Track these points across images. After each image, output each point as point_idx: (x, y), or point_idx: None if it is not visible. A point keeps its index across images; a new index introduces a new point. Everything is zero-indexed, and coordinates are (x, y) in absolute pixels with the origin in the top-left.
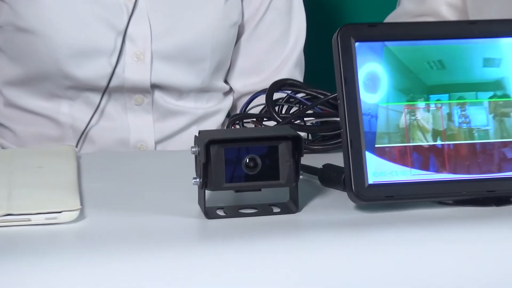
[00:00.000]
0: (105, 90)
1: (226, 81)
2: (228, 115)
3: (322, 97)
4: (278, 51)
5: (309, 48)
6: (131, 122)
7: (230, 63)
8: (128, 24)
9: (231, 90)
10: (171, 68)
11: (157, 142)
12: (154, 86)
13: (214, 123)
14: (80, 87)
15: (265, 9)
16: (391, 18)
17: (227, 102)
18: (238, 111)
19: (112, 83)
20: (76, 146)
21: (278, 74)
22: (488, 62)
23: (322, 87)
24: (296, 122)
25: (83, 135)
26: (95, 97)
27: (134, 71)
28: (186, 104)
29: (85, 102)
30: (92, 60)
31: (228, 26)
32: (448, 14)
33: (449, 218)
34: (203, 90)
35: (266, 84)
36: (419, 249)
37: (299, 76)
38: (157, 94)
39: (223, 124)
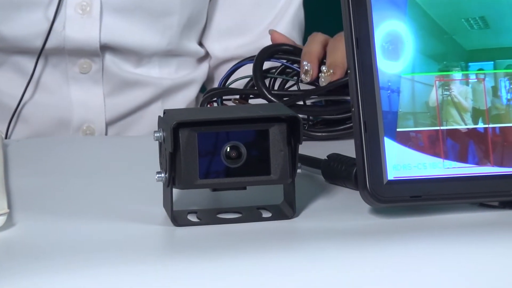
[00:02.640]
0: (40, 53)
1: (201, 44)
2: (203, 89)
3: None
4: (268, 3)
5: (310, 1)
6: (74, 96)
7: (207, 20)
8: None
9: (207, 55)
10: (127, 23)
11: (108, 123)
12: (105, 48)
13: (184, 98)
14: (7, 49)
15: None
16: None
17: (202, 71)
18: (215, 84)
19: (49, 44)
20: (7, 129)
21: (268, 35)
22: None
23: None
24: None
25: (14, 114)
26: (28, 63)
27: (78, 27)
28: (148, 72)
29: (14, 69)
30: (22, 13)
31: None
32: None
33: (495, 225)
34: (170, 54)
35: (254, 48)
36: (455, 266)
37: (297, 38)
38: (109, 59)
39: (196, 100)
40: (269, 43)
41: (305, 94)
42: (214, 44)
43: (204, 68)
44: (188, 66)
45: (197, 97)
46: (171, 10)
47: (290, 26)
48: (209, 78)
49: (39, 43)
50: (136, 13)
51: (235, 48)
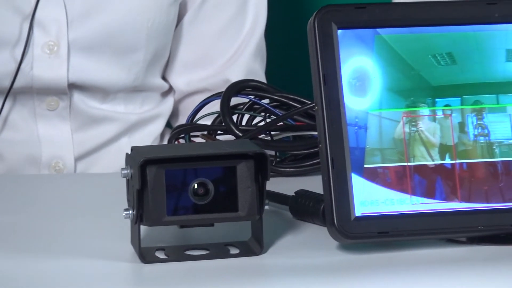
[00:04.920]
0: (8, 93)
1: (164, 78)
2: (168, 124)
3: (297, 105)
4: (231, 36)
5: (273, 35)
6: (42, 133)
7: (170, 54)
8: (36, 5)
9: (171, 89)
10: (95, 61)
11: (77, 159)
12: (72, 86)
13: (151, 133)
14: None
15: None
16: None
17: (167, 105)
18: (180, 118)
19: (17, 83)
20: None
21: (232, 66)
22: None
23: (293, 89)
24: (260, 136)
25: None
26: None
27: (45, 67)
28: (114, 108)
29: None
30: None
31: (167, 4)
32: None
33: (462, 261)
34: (135, 90)
35: (217, 81)
36: None
37: (259, 70)
38: (76, 96)
39: (162, 134)
40: (232, 75)
41: (266, 125)
42: (177, 78)
43: (169, 102)
44: (153, 101)
45: (163, 131)
46: (137, 46)
47: (252, 58)
48: (174, 112)
49: (7, 83)
50: (103, 51)
51: (198, 81)
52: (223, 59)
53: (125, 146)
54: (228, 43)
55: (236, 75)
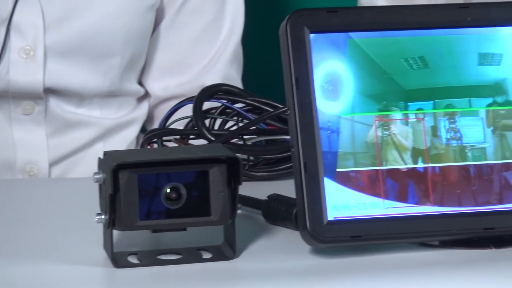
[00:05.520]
0: None
1: (140, 83)
2: (143, 129)
3: (270, 109)
4: (208, 42)
5: (249, 40)
6: (17, 137)
7: (146, 59)
8: (13, 10)
9: (147, 94)
10: (71, 66)
11: (52, 164)
12: (48, 91)
13: (126, 138)
14: None
15: None
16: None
17: (142, 111)
18: (156, 123)
19: None
20: None
21: (209, 72)
22: (485, 59)
23: (266, 93)
24: (233, 140)
25: None
26: None
27: (22, 71)
28: (90, 112)
29: None
30: None
31: (144, 9)
32: None
33: (435, 265)
34: (111, 95)
35: (193, 87)
36: None
37: (236, 76)
38: (52, 101)
39: (137, 139)
40: (209, 81)
41: (239, 129)
42: (154, 83)
43: (144, 107)
44: (128, 106)
45: (138, 137)
46: (113, 51)
47: (228, 64)
48: (149, 117)
49: None
50: (79, 56)
51: (175, 87)
52: (200, 65)
53: (100, 151)
54: (205, 49)
55: (212, 81)
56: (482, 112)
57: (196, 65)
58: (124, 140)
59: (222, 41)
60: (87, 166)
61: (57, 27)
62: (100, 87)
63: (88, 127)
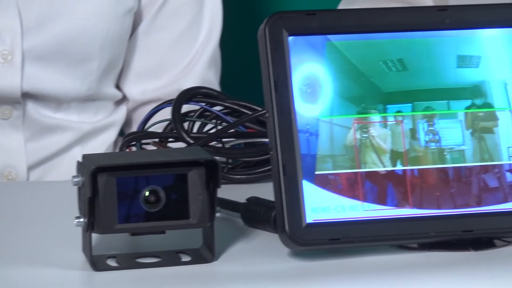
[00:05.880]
0: None
1: (118, 86)
2: (121, 133)
3: (249, 112)
4: (186, 45)
5: (227, 43)
6: None
7: (124, 63)
8: None
9: (125, 98)
10: (49, 71)
11: (30, 168)
12: (26, 95)
13: (104, 141)
14: None
15: None
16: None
17: (120, 114)
18: (134, 126)
19: None
20: None
21: (187, 76)
22: (463, 61)
23: (245, 96)
24: (212, 143)
25: None
26: None
27: None
28: (68, 117)
29: None
30: None
31: (122, 13)
32: None
33: (414, 267)
34: (89, 99)
35: (171, 90)
36: None
37: (214, 79)
38: (30, 105)
39: (115, 143)
40: (186, 85)
41: (218, 132)
42: (131, 87)
43: (122, 111)
44: (106, 110)
45: (116, 140)
46: (91, 56)
47: (206, 67)
48: (127, 121)
49: None
50: (57, 60)
51: (153, 91)
52: (178, 69)
53: (78, 155)
54: (183, 52)
55: (190, 85)
56: (461, 115)
57: (174, 68)
58: (102, 144)
59: (200, 44)
60: (65, 170)
61: (35, 31)
62: (78, 92)
63: (66, 131)
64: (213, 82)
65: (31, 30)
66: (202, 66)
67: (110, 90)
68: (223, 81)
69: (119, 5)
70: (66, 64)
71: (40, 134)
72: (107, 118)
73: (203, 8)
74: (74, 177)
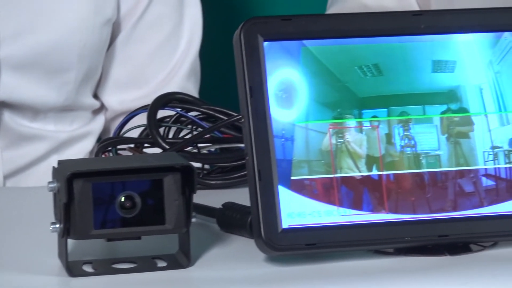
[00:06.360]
0: None
1: (96, 96)
2: (99, 141)
3: (224, 117)
4: (165, 56)
5: (206, 52)
6: None
7: (103, 73)
8: None
9: (102, 107)
10: (26, 80)
11: (6, 177)
12: (3, 104)
13: (81, 150)
14: None
15: (148, 0)
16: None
17: (98, 123)
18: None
19: None
20: None
21: (166, 86)
22: (439, 66)
23: (221, 102)
24: (187, 149)
25: None
26: None
27: None
28: (44, 126)
29: None
30: None
31: (100, 24)
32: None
33: (390, 272)
34: (66, 109)
35: (150, 101)
36: None
37: (193, 90)
38: (6, 115)
39: (92, 152)
40: None
41: (193, 137)
42: (110, 97)
43: (100, 120)
44: (83, 119)
45: (93, 149)
46: (68, 66)
47: (186, 78)
48: (106, 130)
49: None
50: (35, 70)
51: (132, 101)
52: (157, 80)
53: (55, 164)
54: (162, 63)
55: None
56: (436, 120)
57: (153, 79)
58: (79, 152)
59: (180, 55)
60: (41, 179)
61: (12, 41)
62: (55, 101)
63: (42, 141)
64: (192, 92)
65: (9, 39)
66: (182, 76)
67: (88, 100)
68: (200, 86)
69: (98, 16)
70: (44, 74)
71: (16, 143)
72: (84, 127)
73: (183, 19)
74: (49, 183)
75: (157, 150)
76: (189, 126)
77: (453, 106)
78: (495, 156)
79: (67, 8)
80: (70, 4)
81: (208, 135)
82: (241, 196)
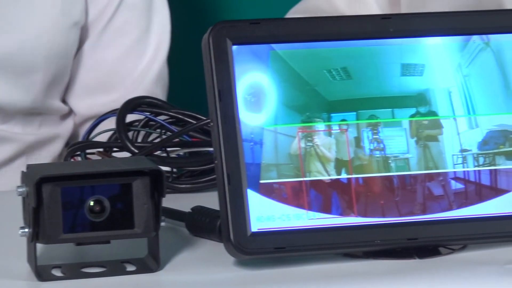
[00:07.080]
0: None
1: (64, 100)
2: (68, 145)
3: (193, 121)
4: (133, 61)
5: (174, 56)
6: None
7: (71, 77)
8: None
9: (71, 112)
10: None
11: None
12: None
13: (49, 153)
14: None
15: (116, 5)
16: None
17: (66, 127)
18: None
19: None
20: None
21: (134, 91)
22: (407, 70)
23: (190, 106)
24: (156, 153)
25: None
26: None
27: None
28: (11, 128)
29: None
30: None
31: (67, 26)
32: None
33: (359, 275)
34: (34, 112)
35: (118, 106)
36: None
37: (161, 95)
38: None
39: (61, 155)
40: None
41: (162, 141)
42: (78, 101)
43: (68, 124)
44: (51, 123)
45: (61, 153)
46: (35, 67)
47: (154, 83)
48: (75, 135)
49: None
50: (2, 70)
51: (100, 106)
52: (125, 85)
53: (22, 166)
54: (130, 68)
55: None
56: (405, 123)
57: (121, 84)
58: (47, 155)
59: (148, 60)
60: (9, 181)
61: None
62: (22, 103)
63: (9, 143)
64: (159, 97)
65: None
66: (150, 82)
67: (56, 103)
68: (168, 90)
69: (65, 18)
70: (11, 75)
71: None
72: (52, 130)
73: (151, 25)
74: (18, 187)
75: (126, 154)
76: (158, 130)
77: (422, 110)
78: (464, 159)
79: (34, 10)
80: (37, 6)
81: (177, 139)
82: (210, 200)
